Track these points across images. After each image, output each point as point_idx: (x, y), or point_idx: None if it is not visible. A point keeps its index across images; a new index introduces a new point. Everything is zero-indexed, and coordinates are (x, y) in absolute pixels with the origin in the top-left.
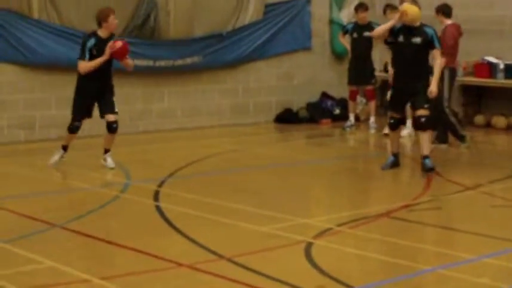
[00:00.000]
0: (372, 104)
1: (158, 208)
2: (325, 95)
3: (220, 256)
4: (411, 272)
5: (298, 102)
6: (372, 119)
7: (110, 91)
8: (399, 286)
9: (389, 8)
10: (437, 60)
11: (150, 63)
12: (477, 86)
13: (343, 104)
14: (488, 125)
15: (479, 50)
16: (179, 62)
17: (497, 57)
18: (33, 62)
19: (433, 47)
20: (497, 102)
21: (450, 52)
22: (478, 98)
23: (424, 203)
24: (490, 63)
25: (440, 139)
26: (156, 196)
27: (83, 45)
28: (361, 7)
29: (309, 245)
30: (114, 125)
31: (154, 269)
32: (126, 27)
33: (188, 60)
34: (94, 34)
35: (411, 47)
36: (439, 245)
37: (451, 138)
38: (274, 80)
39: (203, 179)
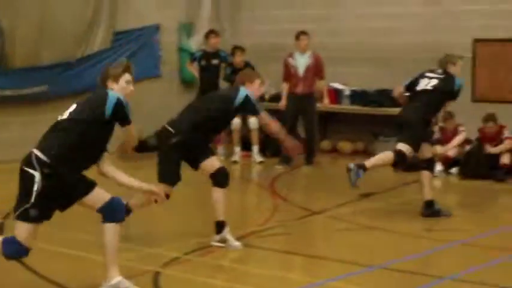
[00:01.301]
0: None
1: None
2: None
3: None
4: None
5: (147, 130)
6: (221, 147)
7: None
8: None
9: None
10: None
11: None
12: (324, 112)
13: None
14: (334, 150)
15: (326, 76)
16: (26, 91)
17: (343, 84)
18: None
19: None
20: (343, 127)
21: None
22: (324, 123)
23: (271, 229)
24: (336, 89)
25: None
26: (0, 229)
27: None
28: (212, 33)
29: (157, 275)
30: None
31: None
32: None
33: (36, 89)
34: None
35: None
36: (286, 270)
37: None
38: None
39: None
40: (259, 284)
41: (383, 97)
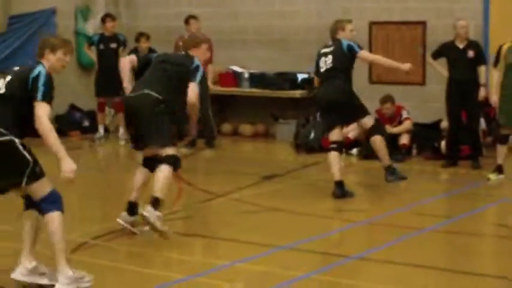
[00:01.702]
0: (121, 115)
1: None
2: (73, 107)
3: None
4: (167, 281)
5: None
6: (122, 130)
7: None
8: None
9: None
10: None
11: None
12: (223, 95)
13: (91, 115)
14: (235, 133)
15: (225, 59)
16: None
17: (242, 67)
18: None
19: None
20: (243, 110)
21: None
22: (224, 106)
23: (175, 212)
24: (235, 72)
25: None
26: None
27: None
28: (108, 17)
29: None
30: None
31: None
32: None
33: None
34: None
35: None
36: (192, 253)
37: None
38: None
39: None
40: (166, 267)
41: (282, 80)
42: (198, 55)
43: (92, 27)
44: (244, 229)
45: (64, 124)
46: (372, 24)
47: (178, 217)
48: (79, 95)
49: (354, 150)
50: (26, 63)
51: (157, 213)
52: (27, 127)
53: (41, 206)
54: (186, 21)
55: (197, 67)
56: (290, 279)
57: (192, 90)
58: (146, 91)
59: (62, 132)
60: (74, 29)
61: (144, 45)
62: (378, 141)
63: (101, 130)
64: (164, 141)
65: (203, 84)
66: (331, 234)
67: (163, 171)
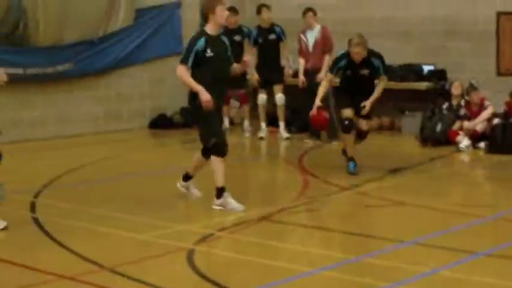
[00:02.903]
0: (246, 108)
1: (35, 219)
2: None
3: (102, 266)
4: (293, 275)
5: (172, 107)
6: (246, 123)
7: None
8: None
9: (231, 11)
10: None
11: (20, 71)
12: None
13: None
14: None
15: None
16: (50, 70)
17: None
18: None
19: None
20: None
21: None
22: None
23: (302, 205)
24: None
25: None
26: (32, 207)
27: None
28: (231, 11)
29: (191, 252)
30: None
31: (34, 283)
32: None
33: (59, 68)
34: None
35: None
36: (319, 246)
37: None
38: (147, 85)
39: (79, 188)
40: (292, 260)
41: (407, 72)
42: (216, 19)
43: None
44: (369, 223)
45: (189, 117)
46: (499, 14)
47: (303, 209)
48: None
49: (482, 144)
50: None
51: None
52: None
53: None
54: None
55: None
56: (417, 275)
57: None
58: None
59: (187, 124)
60: (200, 22)
61: (265, 16)
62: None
63: (226, 122)
64: None
65: None
66: (457, 229)
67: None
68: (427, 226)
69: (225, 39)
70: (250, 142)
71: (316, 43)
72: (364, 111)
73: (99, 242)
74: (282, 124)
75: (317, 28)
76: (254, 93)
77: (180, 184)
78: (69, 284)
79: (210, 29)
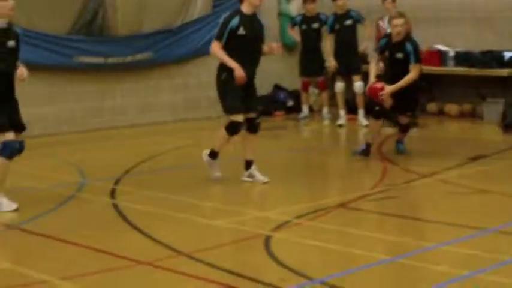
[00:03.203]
0: (325, 95)
1: (115, 206)
2: (277, 87)
3: (179, 252)
4: (371, 262)
5: None
6: (326, 110)
7: None
8: (359, 276)
9: None
10: None
11: (101, 60)
12: (428, 74)
13: (296, 95)
14: (440, 113)
15: (429, 37)
16: (130, 59)
17: (446, 45)
18: None
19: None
20: (448, 89)
21: None
22: (430, 85)
23: (380, 192)
24: (440, 51)
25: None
26: (112, 194)
27: None
28: None
29: (268, 238)
30: None
31: (113, 268)
32: (74, 24)
33: (139, 56)
34: None
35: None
36: (397, 234)
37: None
38: None
39: (158, 175)
40: (369, 247)
41: (488, 58)
42: (247, 3)
43: (294, 8)
44: (449, 211)
45: (268, 104)
46: None
47: (382, 197)
48: (283, 75)
49: None
50: None
51: None
52: None
53: None
54: (383, 0)
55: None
56: (496, 263)
57: None
58: None
59: (266, 112)
60: (278, 10)
61: (340, 2)
62: None
63: (305, 110)
64: None
65: None
66: None
67: None
68: (509, 214)
69: (260, 20)
70: (329, 129)
71: None
72: (385, 96)
73: (177, 229)
74: (361, 111)
75: None
76: (333, 81)
77: (206, 159)
78: (147, 269)
79: (245, 8)
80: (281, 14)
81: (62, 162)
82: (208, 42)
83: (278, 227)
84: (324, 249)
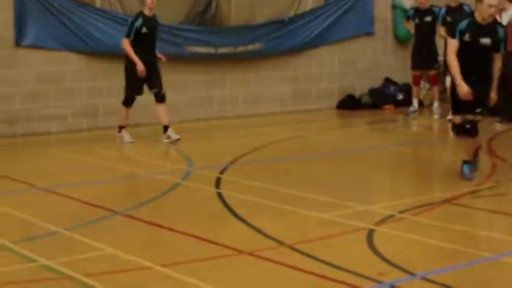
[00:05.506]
0: (436, 89)
1: (220, 195)
2: (388, 80)
3: (281, 243)
4: (474, 259)
5: (360, 88)
6: (436, 104)
7: None
8: (461, 273)
9: None
10: None
11: (212, 50)
12: None
13: (406, 89)
14: None
15: None
16: (241, 49)
17: None
18: (96, 50)
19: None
20: None
21: None
22: None
23: (487, 189)
24: None
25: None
26: (217, 183)
27: None
28: None
29: (371, 232)
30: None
31: (215, 256)
32: (188, 14)
33: (250, 47)
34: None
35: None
36: (503, 232)
37: None
38: (336, 65)
39: (265, 166)
40: (473, 244)
41: None
42: None
43: (408, 0)
44: None
45: (378, 97)
46: None
47: (488, 194)
48: (395, 69)
49: None
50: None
51: None
52: None
53: None
54: None
55: None
56: None
57: None
58: None
59: (375, 105)
60: (391, 3)
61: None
62: None
63: (415, 104)
64: None
65: None
66: None
67: None
68: None
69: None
70: (439, 124)
71: (509, 24)
72: (493, 101)
73: (280, 219)
74: None
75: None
76: (444, 75)
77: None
78: (248, 259)
79: None
80: (395, 7)
81: (169, 150)
82: (320, 34)
83: (382, 221)
84: (426, 244)
